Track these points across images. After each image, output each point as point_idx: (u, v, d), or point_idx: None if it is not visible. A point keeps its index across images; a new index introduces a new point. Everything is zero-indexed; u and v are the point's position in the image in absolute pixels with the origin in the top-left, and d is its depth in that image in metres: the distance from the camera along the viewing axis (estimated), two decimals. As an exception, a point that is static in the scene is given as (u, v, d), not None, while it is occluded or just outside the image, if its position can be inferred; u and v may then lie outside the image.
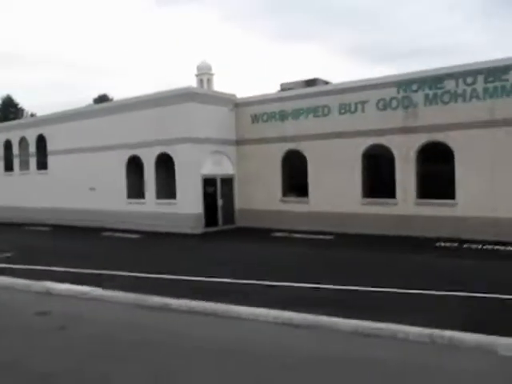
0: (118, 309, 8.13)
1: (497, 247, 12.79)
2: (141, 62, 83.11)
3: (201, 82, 30.42)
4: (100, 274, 10.52)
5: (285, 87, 20.19)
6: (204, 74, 30.06)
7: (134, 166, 19.87)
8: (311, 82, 19.36)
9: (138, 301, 8.21)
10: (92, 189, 21.25)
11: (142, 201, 19.65)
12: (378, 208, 16.01)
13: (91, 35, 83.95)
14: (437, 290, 8.23)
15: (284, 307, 7.33)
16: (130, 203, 20.07)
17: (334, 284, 8.88)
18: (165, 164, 18.80)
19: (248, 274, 10.10)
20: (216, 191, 18.89)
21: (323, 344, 6.16)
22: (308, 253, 13.09)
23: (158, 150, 18.83)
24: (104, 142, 20.79)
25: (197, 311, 7.60)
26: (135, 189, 19.97)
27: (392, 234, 15.29)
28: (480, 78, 14.01)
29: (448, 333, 5.91)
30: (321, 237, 15.67)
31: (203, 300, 7.90)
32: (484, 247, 12.89)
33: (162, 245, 15.86)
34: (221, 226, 18.93)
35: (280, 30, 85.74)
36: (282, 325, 6.88)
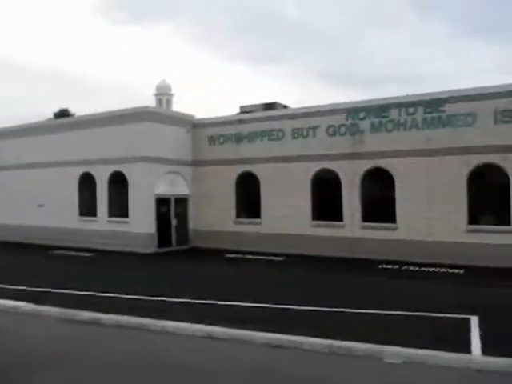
0: (46, 323, 8.37)
1: (432, 269, 13.68)
2: (107, 79, 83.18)
3: (159, 101, 31.07)
4: (39, 291, 10.67)
5: (244, 110, 21.03)
6: (163, 94, 30.77)
7: (87, 183, 20.05)
8: (270, 106, 20.28)
9: (68, 315, 8.51)
10: (40, 205, 21.20)
11: (94, 219, 19.78)
12: (327, 230, 16.78)
13: (59, 48, 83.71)
14: (358, 309, 8.89)
15: (212, 323, 7.79)
16: (82, 221, 20.16)
17: (270, 303, 9.34)
18: (118, 182, 19.08)
19: (189, 293, 10.43)
20: (170, 211, 19.26)
21: (235, 355, 6.72)
22: (257, 273, 13.62)
23: (111, 168, 19.15)
24: (57, 158, 20.91)
25: (123, 325, 7.99)
26: (88, 206, 20.10)
27: (340, 255, 16.00)
28: (420, 109, 15.20)
29: (345, 343, 6.66)
30: (273, 258, 16.25)
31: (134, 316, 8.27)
32: (421, 269, 13.74)
33: (110, 264, 16.02)
34: (174, 247, 19.22)
35: (249, 52, 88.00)
36: (202, 338, 7.40)
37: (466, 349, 6.58)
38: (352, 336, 7.01)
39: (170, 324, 7.77)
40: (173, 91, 31.28)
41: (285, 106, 19.99)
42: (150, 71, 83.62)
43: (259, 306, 9.19)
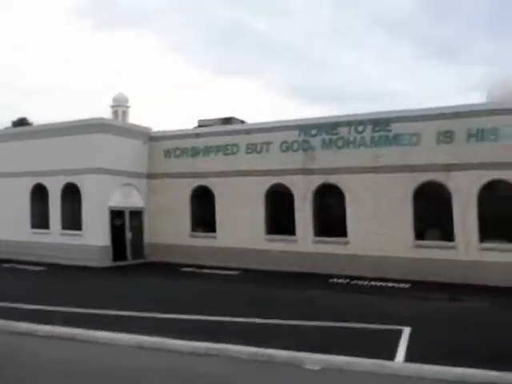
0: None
1: (380, 283, 14.26)
2: (70, 87, 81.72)
3: (116, 113, 31.00)
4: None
5: (202, 124, 21.26)
6: (119, 105, 30.73)
7: (40, 194, 19.78)
8: (227, 121, 20.61)
9: (5, 327, 8.80)
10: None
11: (46, 231, 19.52)
12: (281, 245, 17.16)
13: (19, 54, 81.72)
14: (300, 320, 9.35)
15: (150, 334, 8.12)
16: (34, 233, 19.85)
17: (213, 315, 9.65)
18: (72, 194, 18.92)
19: (136, 306, 10.60)
20: (125, 224, 19.23)
21: (159, 363, 7.16)
22: (209, 287, 13.83)
23: (65, 180, 18.98)
24: (8, 169, 20.53)
25: (56, 336, 8.35)
26: (40, 218, 19.82)
27: (294, 270, 16.36)
28: (368, 128, 15.85)
29: (268, 351, 7.15)
30: (227, 272, 16.49)
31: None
32: (369, 283, 14.33)
33: (62, 277, 15.90)
34: (130, 260, 19.18)
35: (217, 64, 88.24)
36: (131, 347, 7.81)
37: (390, 356, 7.06)
38: (285, 346, 7.41)
39: (100, 335, 8.16)
40: (130, 103, 31.50)
41: (242, 121, 20.37)
42: (114, 80, 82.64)
43: (202, 319, 9.46)
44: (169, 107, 79.34)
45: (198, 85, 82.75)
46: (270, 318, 9.47)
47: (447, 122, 14.79)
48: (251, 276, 15.89)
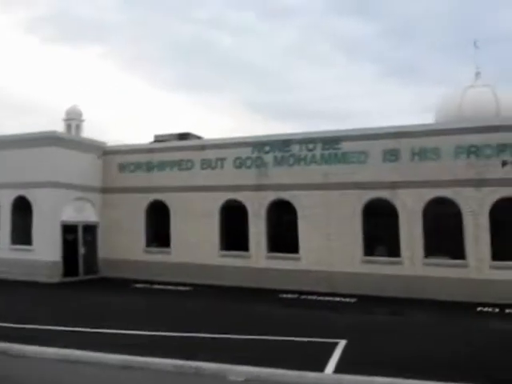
0: None
1: (328, 298, 14.64)
2: (30, 99, 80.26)
3: (69, 127, 30.71)
4: None
5: (158, 139, 21.39)
6: (73, 119, 30.52)
7: (-12, 209, 19.38)
8: (183, 136, 20.80)
9: None
10: None
11: (-5, 246, 19.09)
12: (234, 260, 17.38)
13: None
14: (240, 335, 9.58)
15: (79, 348, 8.26)
16: (-18, 249, 19.36)
17: (151, 331, 9.75)
18: (23, 208, 18.64)
19: (81, 321, 10.66)
20: (77, 239, 19.03)
21: (83, 376, 7.37)
22: (159, 303, 13.87)
23: (15, 193, 18.71)
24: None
25: None
26: (-12, 233, 19.36)
27: (247, 285, 16.55)
28: (318, 146, 16.39)
29: (195, 363, 7.39)
30: (180, 288, 16.53)
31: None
32: (318, 298, 14.70)
33: (8, 293, 15.54)
34: (82, 276, 18.94)
35: (178, 79, 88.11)
36: (58, 361, 7.97)
37: (321, 368, 7.38)
38: (218, 358, 7.61)
39: (29, 349, 8.28)
40: (86, 117, 31.23)
41: (198, 137, 20.62)
42: (72, 94, 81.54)
43: (138, 334, 9.56)
44: (130, 122, 78.70)
45: (159, 100, 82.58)
46: (209, 333, 9.66)
47: (392, 141, 15.48)
48: (203, 292, 16.00)
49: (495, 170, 14.40)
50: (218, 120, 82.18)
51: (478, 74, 21.38)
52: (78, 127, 30.66)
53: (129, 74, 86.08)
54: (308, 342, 9.20)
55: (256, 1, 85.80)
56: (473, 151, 14.66)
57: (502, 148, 14.39)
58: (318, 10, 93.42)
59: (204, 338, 9.41)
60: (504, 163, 14.28)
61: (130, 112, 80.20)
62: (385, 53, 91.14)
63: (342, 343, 8.90)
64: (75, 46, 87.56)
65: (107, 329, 9.93)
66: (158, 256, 18.78)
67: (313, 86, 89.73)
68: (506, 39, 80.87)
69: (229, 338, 9.38)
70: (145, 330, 9.79)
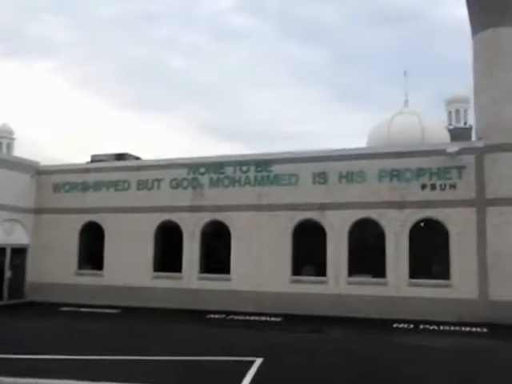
0: None
1: (254, 318, 14.94)
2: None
3: (-1, 145, 30.08)
4: None
5: (95, 159, 21.32)
6: (3, 137, 29.96)
7: None
8: (121, 156, 20.82)
9: None
10: None
11: None
12: (167, 282, 17.43)
13: None
14: (157, 356, 9.63)
15: None
16: None
17: (60, 354, 9.52)
18: None
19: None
20: (4, 262, 18.46)
21: None
22: (77, 327, 13.47)
23: None
24: None
25: None
26: None
27: (179, 307, 16.58)
28: (252, 168, 16.99)
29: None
30: (108, 311, 16.37)
31: None
32: (245, 318, 14.96)
33: None
34: (6, 300, 18.32)
35: (131, 99, 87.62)
36: None
37: None
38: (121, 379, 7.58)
39: None
40: (16, 135, 30.59)
41: (136, 158, 20.75)
42: (16, 111, 79.47)
43: (47, 358, 9.33)
44: (79, 142, 76.96)
45: (107, 119, 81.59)
46: (121, 355, 9.56)
47: (321, 165, 16.30)
48: (131, 314, 15.90)
49: (415, 193, 15.43)
50: (169, 140, 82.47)
51: (406, 102, 22.98)
52: (9, 146, 30.00)
53: (79, 92, 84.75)
54: (225, 360, 9.36)
55: (208, 24, 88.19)
56: (395, 175, 15.66)
57: (421, 172, 15.48)
58: (269, 34, 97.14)
59: (111, 360, 9.28)
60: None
61: (79, 131, 78.86)
62: (334, 77, 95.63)
63: (258, 361, 9.06)
64: (24, 63, 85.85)
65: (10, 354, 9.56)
66: (89, 278, 18.52)
67: (263, 108, 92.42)
68: (439, 67, 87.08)
69: (142, 360, 9.31)
70: (48, 354, 9.55)
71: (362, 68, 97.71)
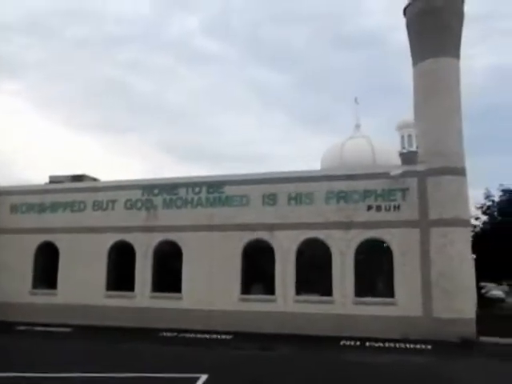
0: None
1: (205, 336, 15.21)
2: None
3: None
4: None
5: (53, 180, 21.61)
6: None
7: None
8: (78, 178, 21.16)
9: None
10: None
11: None
12: (120, 301, 17.68)
13: None
14: (99, 373, 9.97)
15: None
16: None
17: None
18: None
19: None
20: (-43, 282, 18.48)
21: None
22: (23, 346, 13.61)
23: None
24: None
25: None
26: None
27: (131, 325, 16.80)
28: (204, 189, 17.53)
29: None
30: (60, 329, 16.52)
31: None
32: (196, 336, 15.25)
33: None
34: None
35: (93, 121, 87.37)
36: None
37: None
38: None
39: None
40: None
41: (94, 179, 21.11)
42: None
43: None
44: (41, 163, 76.31)
45: (70, 140, 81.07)
46: (62, 372, 9.82)
47: (271, 186, 16.91)
48: (82, 332, 16.07)
49: (361, 214, 16.07)
50: (131, 162, 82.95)
51: (357, 126, 23.83)
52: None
53: (42, 113, 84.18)
54: (170, 377, 9.71)
55: (176, 46, 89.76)
56: (342, 196, 16.31)
57: (367, 194, 16.15)
58: (235, 57, 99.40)
59: (54, 377, 9.52)
60: None
61: (42, 153, 78.16)
62: (297, 102, 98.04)
63: (203, 378, 9.44)
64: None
65: None
66: (43, 298, 18.66)
67: (228, 130, 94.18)
68: (396, 91, 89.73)
69: (88, 377, 9.62)
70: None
71: (324, 91, 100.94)
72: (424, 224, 15.37)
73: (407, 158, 24.95)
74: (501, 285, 32.68)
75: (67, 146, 78.44)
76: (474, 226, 29.58)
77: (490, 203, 29.06)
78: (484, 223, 29.35)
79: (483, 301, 32.93)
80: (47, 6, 74.79)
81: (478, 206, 29.14)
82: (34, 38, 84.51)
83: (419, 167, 16.03)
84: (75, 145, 78.97)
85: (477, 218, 29.27)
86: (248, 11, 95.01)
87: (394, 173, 15.92)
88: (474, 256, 23.39)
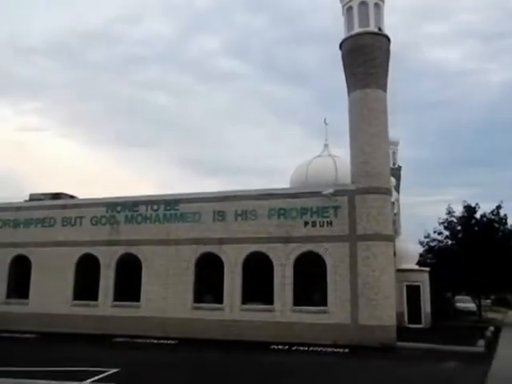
0: None
1: (157, 341, 17.14)
2: None
3: None
4: None
5: (33, 197, 23.85)
6: None
7: None
8: (56, 196, 23.41)
9: None
10: None
11: None
12: (84, 309, 19.78)
13: None
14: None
15: None
16: None
17: None
18: None
19: None
20: None
21: None
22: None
23: None
24: None
25: None
26: None
27: (93, 332, 18.75)
28: (162, 207, 19.70)
29: None
30: (26, 335, 18.38)
31: None
32: (151, 341, 17.16)
33: None
34: None
35: (116, 136, 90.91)
36: None
37: None
38: None
39: None
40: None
41: (72, 196, 23.30)
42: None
43: None
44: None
45: (85, 157, 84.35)
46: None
47: (220, 204, 19.05)
48: (45, 339, 17.92)
49: (299, 229, 18.16)
50: (150, 175, 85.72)
51: (326, 146, 25.83)
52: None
53: (65, 132, 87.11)
54: (84, 370, 11.43)
55: (195, 65, 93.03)
56: (282, 213, 18.42)
57: (304, 211, 18.27)
58: (253, 75, 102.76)
59: None
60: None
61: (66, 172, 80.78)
62: (311, 117, 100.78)
63: (113, 371, 11.34)
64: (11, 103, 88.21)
65: None
66: (16, 307, 20.76)
67: (243, 145, 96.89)
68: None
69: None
70: None
71: (336, 108, 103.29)
72: (352, 238, 17.41)
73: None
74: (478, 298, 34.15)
75: (87, 161, 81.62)
76: (439, 241, 31.83)
77: (451, 219, 31.12)
78: (446, 237, 31.36)
79: (454, 312, 34.84)
80: (71, 28, 78.38)
81: (441, 221, 31.21)
82: (58, 60, 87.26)
83: (350, 186, 18.14)
84: (93, 159, 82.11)
85: (440, 233, 31.37)
86: (265, 32, 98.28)
87: (325, 192, 17.93)
88: (428, 268, 25.40)
